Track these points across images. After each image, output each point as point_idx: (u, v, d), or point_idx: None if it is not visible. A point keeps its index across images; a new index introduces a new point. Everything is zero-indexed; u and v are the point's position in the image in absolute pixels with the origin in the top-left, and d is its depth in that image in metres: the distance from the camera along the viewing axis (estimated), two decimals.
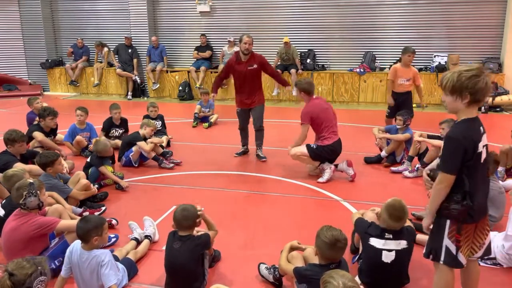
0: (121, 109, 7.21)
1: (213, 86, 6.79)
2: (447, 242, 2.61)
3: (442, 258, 2.65)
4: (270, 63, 11.13)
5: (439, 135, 5.58)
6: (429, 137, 5.81)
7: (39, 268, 2.36)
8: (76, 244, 3.15)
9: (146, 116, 7.33)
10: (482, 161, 2.56)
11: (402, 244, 3.15)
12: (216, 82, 6.72)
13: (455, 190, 2.53)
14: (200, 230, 3.49)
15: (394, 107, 7.02)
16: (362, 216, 3.55)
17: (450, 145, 2.51)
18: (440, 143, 4.91)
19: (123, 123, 7.28)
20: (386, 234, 3.14)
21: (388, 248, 3.12)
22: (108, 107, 7.31)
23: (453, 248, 2.60)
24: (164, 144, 6.91)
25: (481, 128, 2.56)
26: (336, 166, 5.68)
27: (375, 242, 3.15)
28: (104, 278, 3.02)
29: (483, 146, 2.55)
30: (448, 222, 2.59)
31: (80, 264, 3.07)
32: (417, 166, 5.66)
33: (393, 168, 5.96)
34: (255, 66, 6.23)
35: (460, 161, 2.48)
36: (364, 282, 3.26)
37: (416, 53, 10.45)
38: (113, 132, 7.15)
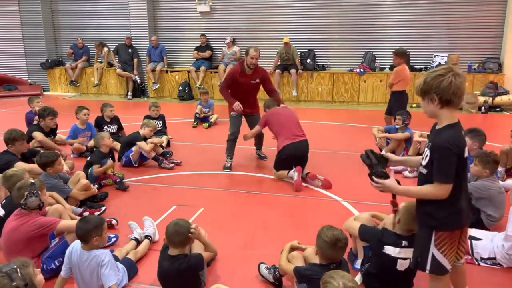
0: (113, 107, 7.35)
1: (229, 102, 6.06)
2: (434, 250, 2.54)
3: (428, 267, 2.58)
4: (270, 63, 11.32)
5: None
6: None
7: (14, 281, 2.04)
8: (76, 245, 3.15)
9: (147, 116, 7.34)
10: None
11: None
12: (227, 96, 6.09)
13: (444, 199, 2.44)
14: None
15: (388, 106, 7.23)
16: (355, 220, 3.47)
17: (441, 155, 2.41)
18: None
19: (114, 120, 7.35)
20: (403, 242, 3.02)
21: (403, 257, 3.02)
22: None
23: (440, 257, 2.54)
24: (164, 144, 6.91)
25: (463, 132, 2.53)
26: (306, 174, 5.52)
27: (390, 250, 3.04)
28: (104, 278, 3.02)
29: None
30: (434, 236, 2.52)
31: (80, 264, 3.07)
32: None
33: (392, 168, 5.95)
34: (257, 80, 6.05)
35: (455, 169, 2.41)
36: (372, 287, 3.23)
37: (416, 53, 10.63)
38: (105, 129, 7.16)
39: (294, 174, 5.41)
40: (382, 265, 3.10)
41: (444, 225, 2.50)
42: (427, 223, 2.55)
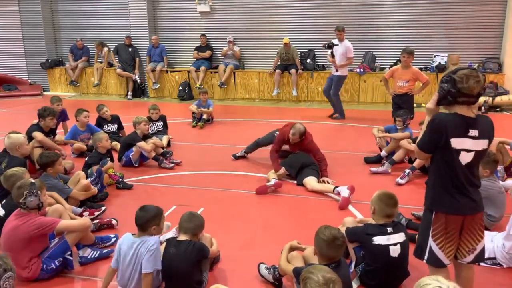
0: (107, 107, 7.41)
1: (274, 163, 5.80)
2: (430, 242, 2.68)
3: (425, 256, 2.73)
4: (270, 63, 11.32)
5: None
6: (415, 141, 5.79)
7: (1, 266, 2.32)
8: (125, 236, 3.19)
9: (148, 118, 7.33)
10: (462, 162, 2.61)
11: (402, 236, 3.25)
12: (274, 161, 5.84)
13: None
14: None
15: (396, 108, 7.08)
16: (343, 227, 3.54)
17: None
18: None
19: (114, 119, 7.39)
20: (388, 228, 3.22)
21: (393, 243, 3.19)
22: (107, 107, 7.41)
23: (436, 249, 2.67)
24: (164, 144, 6.91)
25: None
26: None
27: (380, 240, 3.19)
28: (145, 262, 3.03)
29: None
30: (432, 219, 2.66)
31: (128, 252, 3.09)
32: (407, 171, 5.56)
33: (372, 169, 5.93)
34: (302, 150, 5.91)
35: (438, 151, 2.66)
36: (371, 284, 3.26)
37: (416, 53, 10.54)
38: (105, 128, 7.18)
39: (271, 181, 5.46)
40: (376, 258, 3.20)
41: (436, 203, 2.68)
42: (426, 202, 2.77)
